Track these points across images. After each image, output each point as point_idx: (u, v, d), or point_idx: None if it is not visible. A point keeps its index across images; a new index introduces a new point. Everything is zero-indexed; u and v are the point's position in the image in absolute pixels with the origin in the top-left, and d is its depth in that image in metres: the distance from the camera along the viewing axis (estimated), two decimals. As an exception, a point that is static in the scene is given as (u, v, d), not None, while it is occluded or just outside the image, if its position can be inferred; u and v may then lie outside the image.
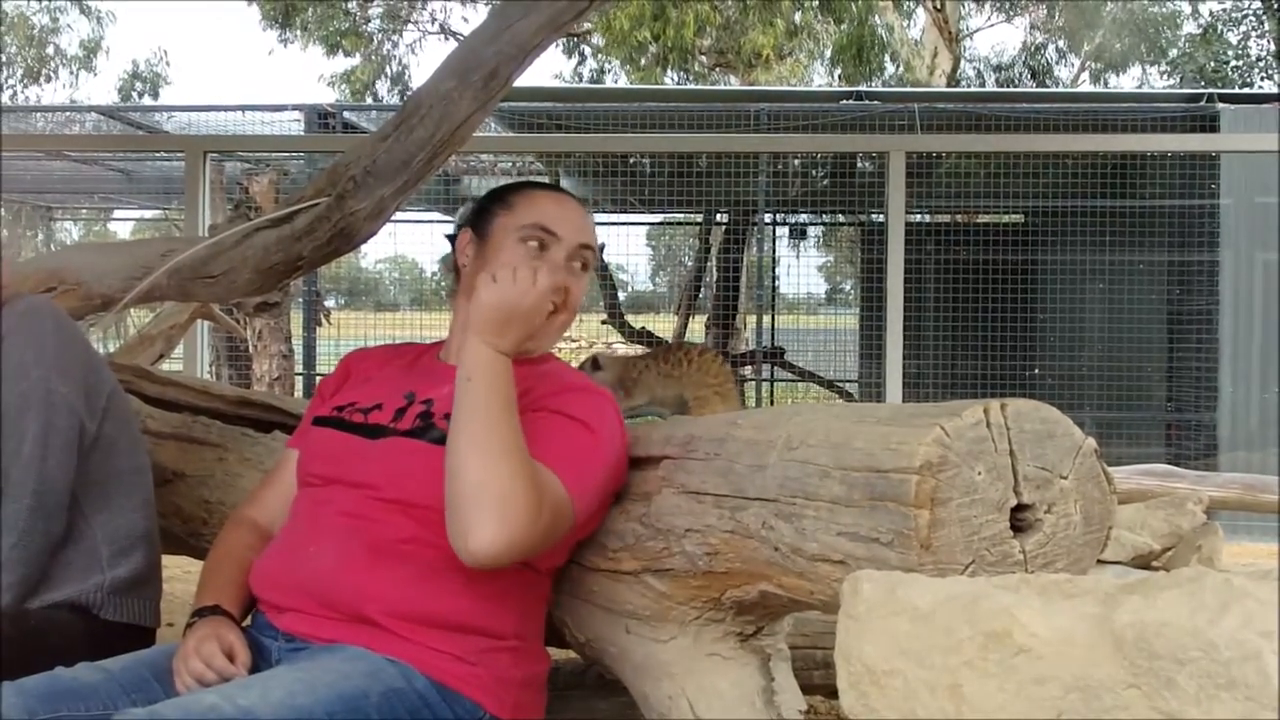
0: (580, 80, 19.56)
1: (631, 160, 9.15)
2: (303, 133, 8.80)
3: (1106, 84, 21.83)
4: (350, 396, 2.19)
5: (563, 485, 1.90)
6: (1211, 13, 19.40)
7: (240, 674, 1.88)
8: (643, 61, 16.98)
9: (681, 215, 11.81)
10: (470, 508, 1.79)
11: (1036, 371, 8.68)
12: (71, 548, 2.25)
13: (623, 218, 11.25)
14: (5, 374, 2.17)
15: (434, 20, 20.24)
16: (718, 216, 10.83)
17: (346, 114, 9.52)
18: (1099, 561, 1.63)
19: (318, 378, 8.65)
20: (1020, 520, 1.56)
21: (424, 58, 21.38)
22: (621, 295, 11.41)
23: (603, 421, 2.01)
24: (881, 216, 7.21)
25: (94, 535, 2.30)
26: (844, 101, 9.39)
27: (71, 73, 22.20)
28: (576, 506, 1.94)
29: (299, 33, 18.30)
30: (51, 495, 2.17)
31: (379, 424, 2.10)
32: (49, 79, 22.06)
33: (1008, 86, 19.92)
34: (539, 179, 10.16)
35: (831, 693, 2.59)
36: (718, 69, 18.26)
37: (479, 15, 19.54)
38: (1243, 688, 1.01)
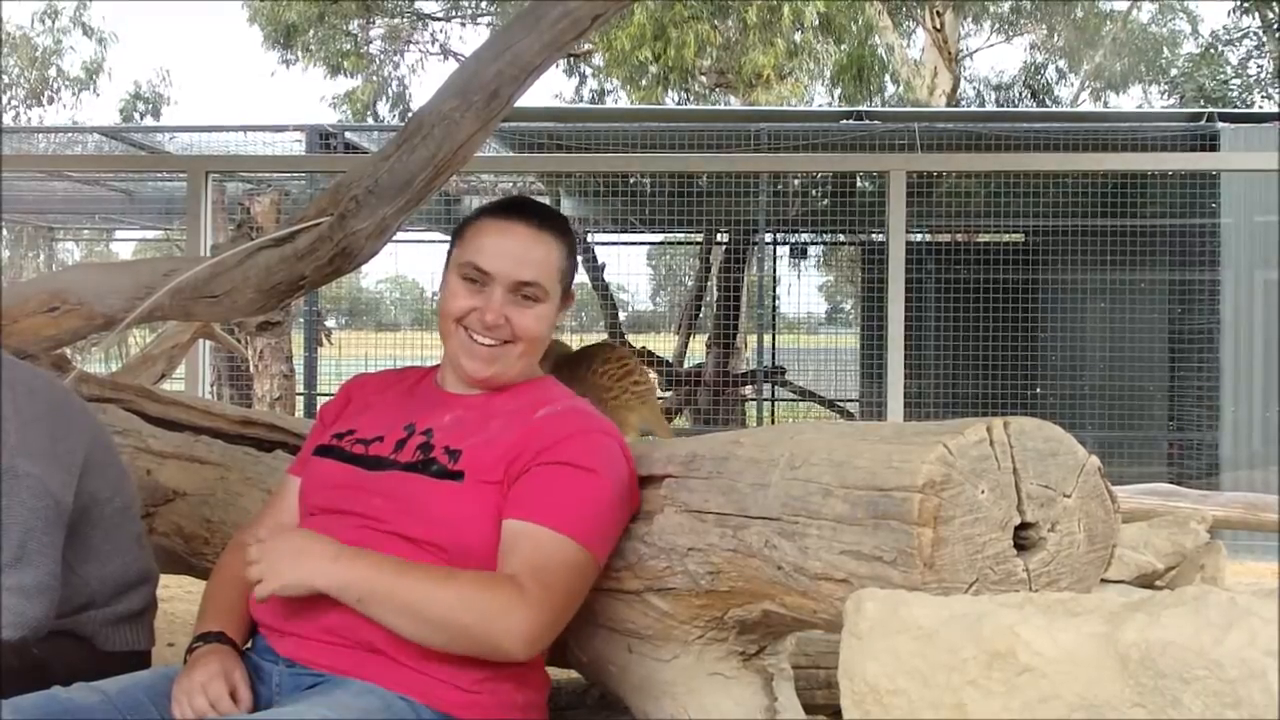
0: (581, 100, 19.60)
1: (632, 180, 9.16)
2: (304, 153, 8.81)
3: (1106, 103, 21.89)
4: (350, 424, 2.19)
5: (571, 538, 1.93)
6: (1211, 32, 19.47)
7: (242, 715, 1.89)
8: (643, 81, 16.99)
9: (682, 235, 11.83)
10: (475, 643, 1.87)
11: (1038, 391, 8.67)
12: (65, 600, 2.21)
13: (623, 237, 11.27)
14: None
15: (435, 41, 20.28)
16: (718, 236, 10.84)
17: (348, 134, 9.55)
18: (1102, 580, 1.63)
19: (319, 398, 8.65)
20: (1024, 539, 1.56)
21: (425, 78, 21.44)
22: (622, 315, 11.41)
23: (605, 461, 2.01)
24: (882, 236, 7.21)
25: (88, 586, 2.28)
26: (844, 121, 9.39)
27: (74, 94, 22.25)
28: (595, 555, 1.97)
29: (300, 54, 18.33)
30: (31, 577, 2.08)
31: (379, 456, 2.09)
32: (51, 100, 22.11)
33: (1008, 106, 19.96)
34: (539, 198, 10.18)
35: (835, 712, 2.58)
36: (718, 89, 18.29)
37: (480, 36, 19.61)
38: (1248, 707, 1.00)
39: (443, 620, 1.85)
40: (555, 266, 2.12)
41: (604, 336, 10.37)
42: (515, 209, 2.14)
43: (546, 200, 10.09)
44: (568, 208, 10.35)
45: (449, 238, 2.22)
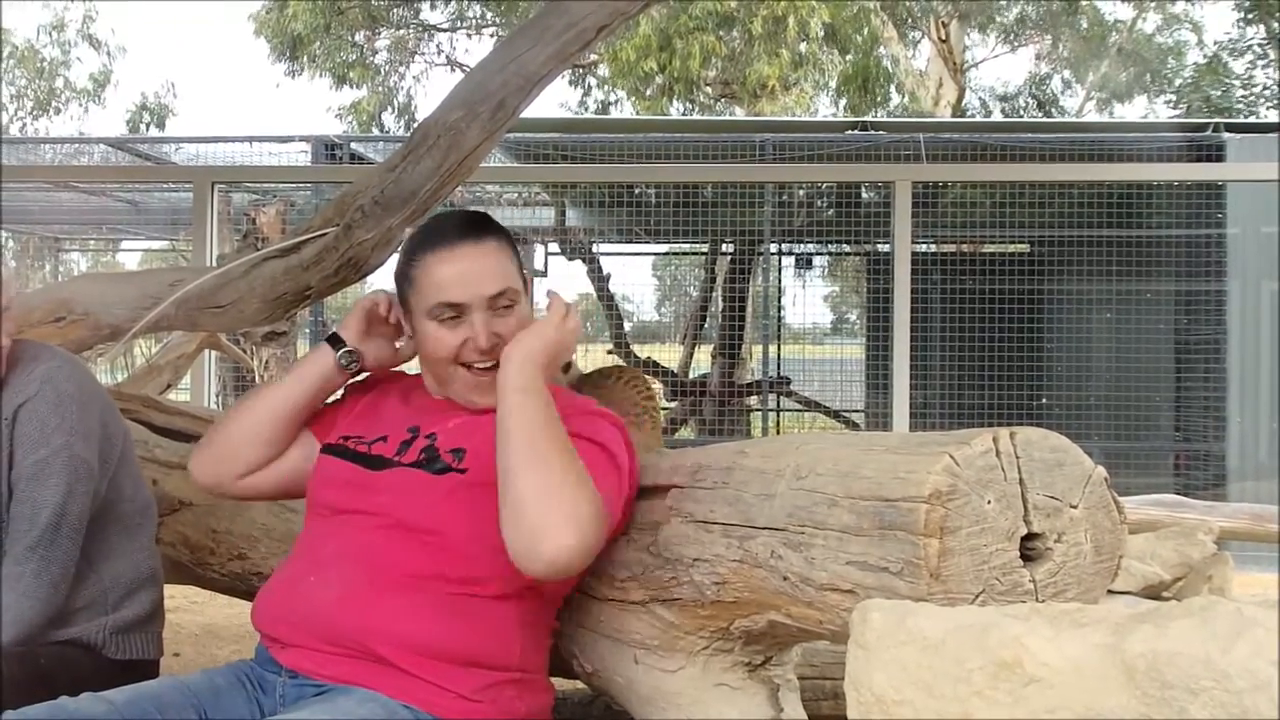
0: (586, 110, 19.62)
1: (637, 190, 9.17)
2: (310, 164, 8.83)
3: (1112, 114, 21.90)
4: (356, 428, 2.20)
5: (599, 494, 1.92)
6: (1216, 42, 19.48)
7: None
8: (649, 92, 17.02)
9: (687, 245, 11.81)
10: (543, 514, 1.82)
11: (1044, 401, 8.66)
12: (77, 594, 2.24)
13: (628, 248, 11.26)
14: (26, 439, 2.16)
15: (440, 52, 20.33)
16: (723, 246, 10.84)
17: (353, 145, 9.55)
18: (1109, 591, 1.62)
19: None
20: (1030, 549, 1.55)
21: (431, 89, 21.49)
22: (627, 325, 11.41)
23: (615, 442, 2.02)
24: (887, 246, 7.21)
25: (101, 582, 2.30)
26: (849, 132, 9.40)
27: (80, 105, 22.35)
28: (612, 511, 1.96)
29: (306, 65, 18.37)
30: (58, 565, 2.15)
31: (382, 455, 2.10)
32: (58, 111, 22.19)
33: (1013, 116, 19.97)
34: (544, 209, 10.18)
35: (840, 724, 2.57)
36: (723, 99, 18.31)
37: (485, 47, 19.64)
38: (1255, 717, 1.00)
39: (550, 463, 1.86)
40: (511, 266, 2.12)
41: (609, 347, 10.38)
42: (445, 233, 2.11)
43: (551, 211, 10.12)
44: (573, 218, 10.37)
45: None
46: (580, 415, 2.04)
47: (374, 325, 2.24)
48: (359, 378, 2.32)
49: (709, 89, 17.90)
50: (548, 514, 1.82)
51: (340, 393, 2.32)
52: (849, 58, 17.44)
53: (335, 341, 2.24)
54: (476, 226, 2.12)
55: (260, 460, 2.23)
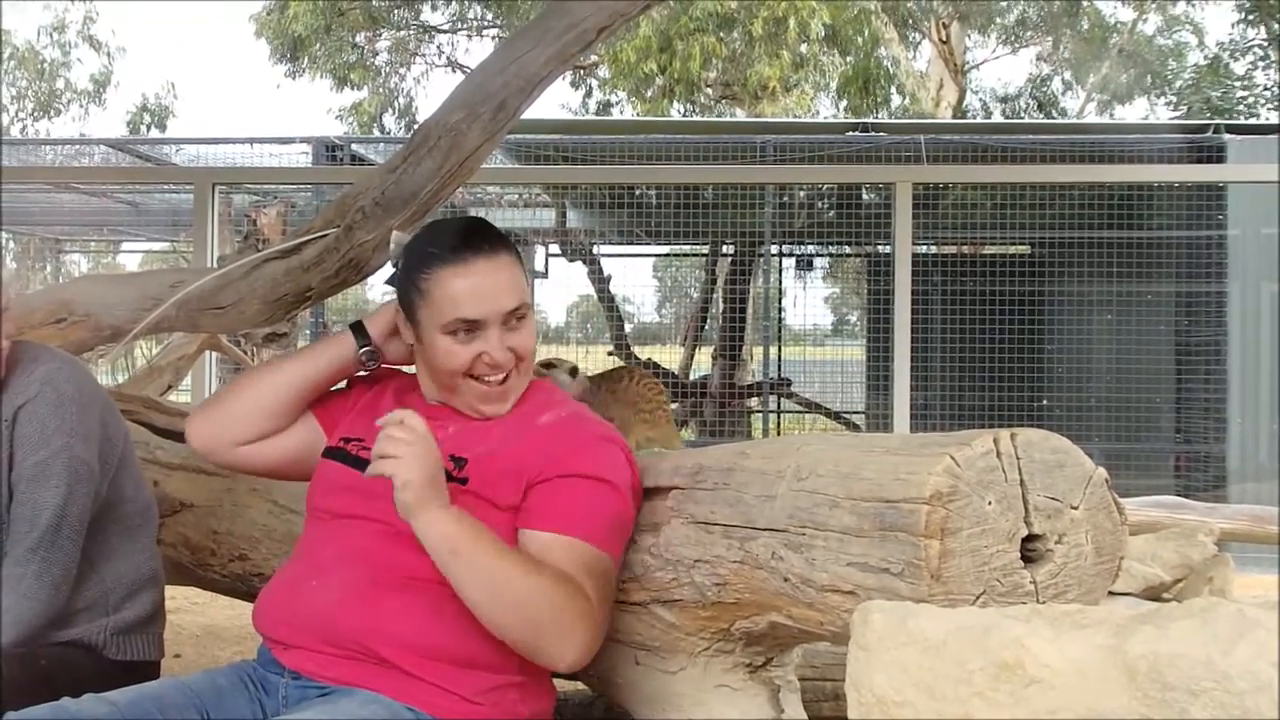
0: (587, 112, 19.62)
1: (638, 192, 9.16)
2: (310, 165, 8.82)
3: (1113, 115, 21.88)
4: (356, 429, 2.20)
5: (599, 550, 1.95)
6: (1217, 44, 19.47)
7: None
8: (649, 93, 17.01)
9: (688, 247, 11.80)
10: (539, 640, 1.88)
11: (1044, 402, 8.65)
12: (79, 595, 2.24)
13: (629, 249, 11.26)
14: (26, 441, 2.16)
15: (441, 53, 20.33)
16: (724, 248, 10.83)
17: (354, 146, 9.54)
18: (1110, 593, 1.63)
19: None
20: (1031, 550, 1.55)
21: (431, 90, 21.46)
22: (628, 327, 11.39)
23: (617, 471, 2.03)
24: (888, 248, 7.22)
25: (102, 583, 2.30)
26: (850, 133, 9.40)
27: (81, 106, 22.34)
28: (615, 561, 2.01)
29: (307, 66, 18.37)
30: (59, 567, 2.16)
31: None
32: (58, 112, 22.19)
33: (1013, 118, 19.95)
34: (545, 210, 10.18)
35: (841, 725, 2.57)
36: (724, 101, 18.32)
37: (486, 48, 19.64)
38: (1256, 718, 1.00)
39: (519, 603, 1.85)
40: (522, 278, 2.13)
41: (610, 348, 10.37)
42: (456, 246, 2.08)
43: (552, 212, 10.11)
44: (573, 220, 10.36)
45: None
46: (576, 450, 2.04)
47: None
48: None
49: (709, 90, 17.90)
50: (541, 642, 1.88)
51: (344, 381, 2.32)
52: (849, 59, 17.44)
53: (358, 330, 2.24)
54: (486, 238, 2.11)
55: (260, 430, 2.23)
